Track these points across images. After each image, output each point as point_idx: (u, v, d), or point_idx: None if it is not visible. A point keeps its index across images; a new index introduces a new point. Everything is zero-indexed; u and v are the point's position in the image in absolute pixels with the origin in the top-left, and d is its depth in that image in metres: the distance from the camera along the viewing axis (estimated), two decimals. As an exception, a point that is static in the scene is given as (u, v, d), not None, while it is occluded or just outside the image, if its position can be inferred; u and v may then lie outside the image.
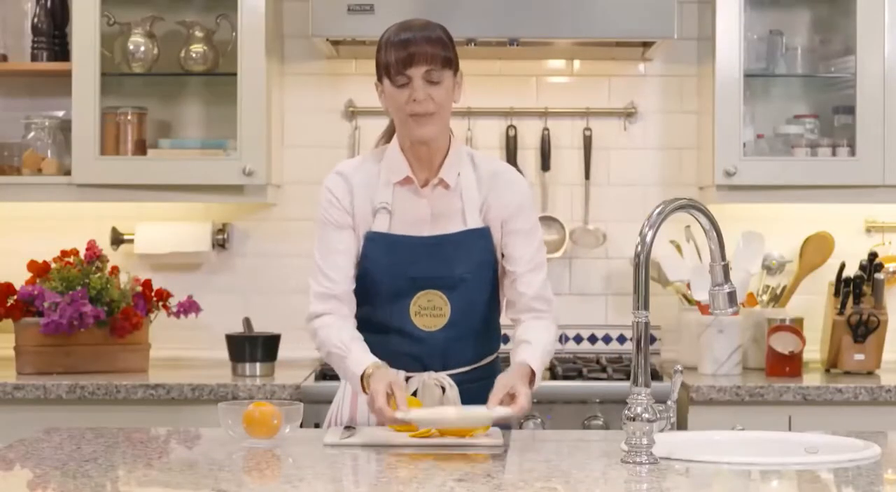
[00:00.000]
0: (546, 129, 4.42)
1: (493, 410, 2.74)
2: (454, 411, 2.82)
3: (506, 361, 3.21)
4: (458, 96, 3.01)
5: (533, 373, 2.89)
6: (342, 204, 3.01)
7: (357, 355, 2.91)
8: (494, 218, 3.03)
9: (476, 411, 2.77)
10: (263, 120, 4.11)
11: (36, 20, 4.28)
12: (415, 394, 2.96)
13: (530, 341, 2.96)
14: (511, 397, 2.77)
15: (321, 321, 2.98)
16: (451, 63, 2.95)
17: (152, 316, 4.10)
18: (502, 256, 3.05)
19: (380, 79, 2.98)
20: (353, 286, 3.01)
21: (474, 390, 2.98)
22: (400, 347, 2.99)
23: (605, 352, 4.38)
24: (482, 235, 3.02)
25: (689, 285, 4.15)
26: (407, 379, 2.97)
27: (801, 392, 3.78)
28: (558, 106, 4.44)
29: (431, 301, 2.96)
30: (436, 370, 2.99)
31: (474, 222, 3.01)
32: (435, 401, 2.95)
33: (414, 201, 3.01)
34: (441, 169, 3.01)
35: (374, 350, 2.96)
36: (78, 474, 2.38)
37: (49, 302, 3.89)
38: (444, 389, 2.97)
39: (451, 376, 2.99)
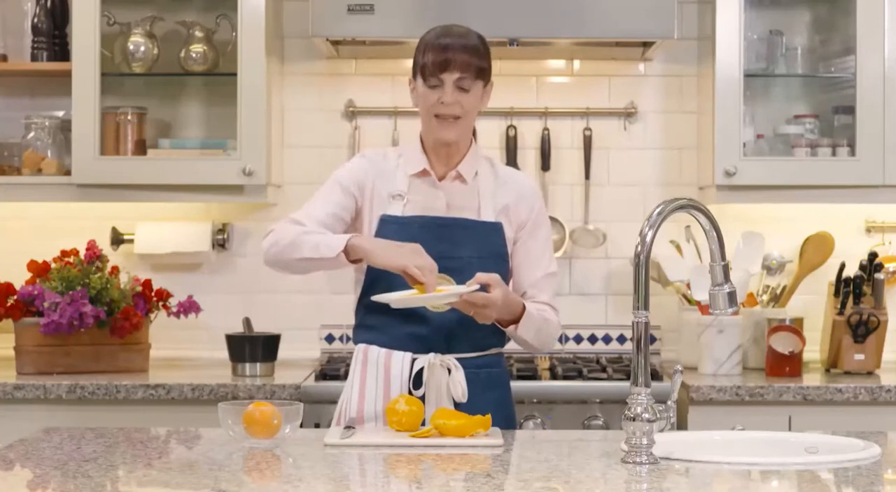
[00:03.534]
0: (546, 129, 4.42)
1: (465, 286, 2.86)
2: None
3: (508, 359, 3.23)
4: (485, 104, 3.13)
5: (523, 310, 3.00)
6: (360, 180, 3.09)
7: (336, 235, 2.98)
8: (512, 220, 3.10)
9: (449, 287, 2.90)
10: (263, 120, 4.11)
11: (36, 20, 4.28)
12: (420, 374, 2.98)
13: (532, 305, 3.06)
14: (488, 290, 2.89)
15: (291, 225, 3.03)
16: (484, 73, 3.06)
17: (152, 316, 4.10)
18: (511, 258, 3.08)
19: (414, 76, 3.08)
20: (335, 227, 3.07)
21: (480, 377, 3.02)
22: (406, 328, 3.03)
23: (605, 352, 4.38)
24: (495, 229, 3.07)
25: (689, 285, 4.15)
26: (413, 360, 2.99)
27: (801, 392, 3.78)
28: (558, 106, 4.44)
29: (439, 283, 2.98)
30: (441, 353, 3.00)
31: (488, 218, 3.09)
32: (441, 383, 2.97)
33: (430, 192, 3.10)
34: (460, 164, 3.10)
35: (379, 333, 3.05)
36: (78, 474, 2.38)
37: (49, 302, 3.89)
38: (449, 370, 2.99)
39: (456, 359, 3.01)
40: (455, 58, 3.00)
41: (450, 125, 3.03)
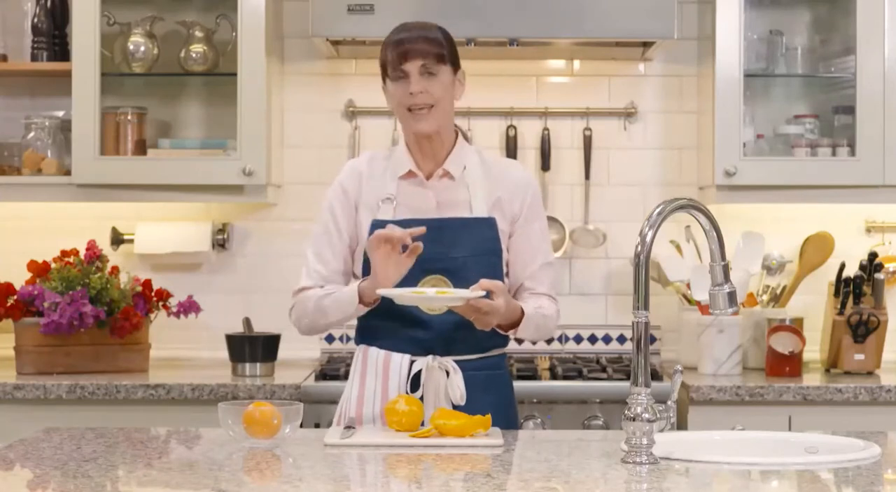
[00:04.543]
0: (546, 129, 4.42)
1: (473, 291, 2.84)
2: (433, 291, 2.90)
3: (508, 360, 3.24)
4: (460, 94, 3.11)
5: (521, 314, 2.99)
6: (349, 197, 3.10)
7: (349, 287, 3.03)
8: (506, 213, 3.09)
9: (454, 290, 2.90)
10: (263, 120, 4.11)
11: (36, 20, 4.28)
12: (418, 377, 2.98)
13: (530, 303, 3.06)
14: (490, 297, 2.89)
15: (305, 293, 3.10)
16: (446, 59, 3.04)
17: (152, 316, 4.10)
18: (508, 250, 3.08)
19: (384, 80, 3.08)
20: (345, 267, 3.12)
21: (480, 379, 3.02)
22: (405, 331, 3.03)
23: (605, 352, 4.38)
24: (488, 225, 3.06)
25: (689, 285, 4.15)
26: (411, 363, 2.99)
27: (801, 392, 3.78)
28: (558, 106, 4.44)
29: (436, 286, 2.98)
30: (440, 355, 3.00)
31: (480, 213, 3.07)
32: (439, 386, 2.97)
33: (419, 193, 3.09)
34: (446, 161, 3.09)
35: (379, 335, 3.06)
36: (78, 474, 2.38)
37: (49, 302, 3.89)
38: (448, 373, 2.98)
39: (456, 361, 3.01)
40: (413, 47, 3.00)
41: (423, 116, 3.02)
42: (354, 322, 3.15)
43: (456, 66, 3.08)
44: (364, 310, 3.01)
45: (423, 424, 2.81)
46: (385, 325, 3.04)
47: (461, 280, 2.97)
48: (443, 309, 3.00)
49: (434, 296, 2.87)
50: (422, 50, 3.00)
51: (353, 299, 2.98)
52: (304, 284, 3.11)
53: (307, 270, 3.12)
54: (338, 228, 3.10)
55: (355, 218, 3.10)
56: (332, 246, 3.10)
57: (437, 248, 3.00)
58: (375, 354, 3.04)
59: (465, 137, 3.19)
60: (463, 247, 3.03)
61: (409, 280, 2.98)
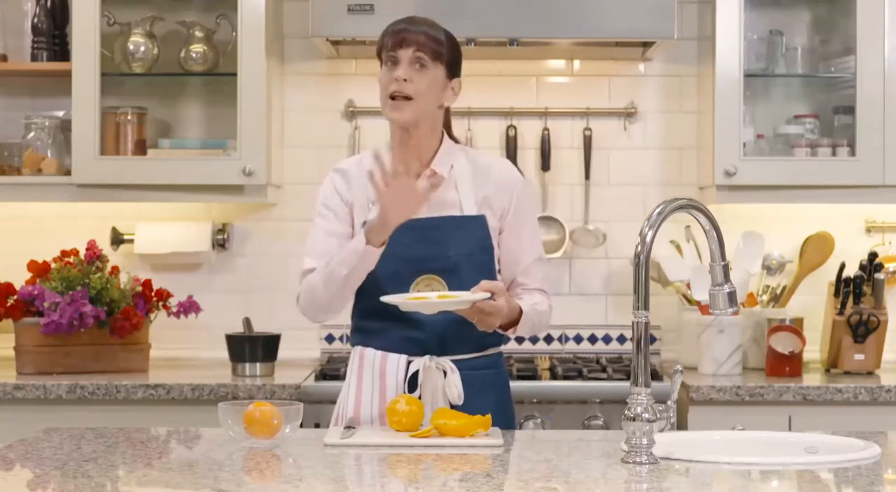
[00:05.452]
0: (546, 129, 4.42)
1: (474, 294, 2.83)
2: (435, 295, 2.90)
3: (508, 359, 3.24)
4: (449, 101, 3.08)
5: (520, 313, 2.99)
6: (341, 196, 3.09)
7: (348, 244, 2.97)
8: (494, 210, 3.07)
9: (457, 293, 2.88)
10: (263, 120, 4.11)
11: (36, 20, 4.28)
12: (415, 377, 2.98)
13: (526, 300, 3.05)
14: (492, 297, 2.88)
15: (311, 275, 3.04)
16: (443, 58, 3.01)
17: (152, 316, 4.10)
18: (499, 246, 3.08)
19: (380, 68, 3.05)
20: None
21: (477, 378, 3.02)
22: (400, 331, 3.02)
23: (605, 352, 4.38)
24: (478, 222, 3.05)
25: (689, 285, 4.15)
26: (408, 363, 2.99)
27: (801, 392, 3.78)
28: (558, 106, 4.44)
29: (430, 285, 2.98)
30: (436, 355, 3.00)
31: (470, 211, 3.06)
32: (437, 386, 2.96)
33: None
34: (433, 161, 3.07)
35: (376, 336, 3.04)
36: (78, 474, 2.38)
37: (49, 302, 3.89)
38: (445, 372, 2.98)
39: (452, 361, 3.00)
40: (411, 37, 2.98)
41: (401, 105, 2.99)
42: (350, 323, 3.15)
43: (453, 72, 3.05)
44: (373, 254, 2.89)
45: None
46: (381, 325, 3.03)
47: (455, 279, 2.97)
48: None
49: (438, 301, 2.86)
50: (419, 40, 2.98)
51: (358, 244, 2.89)
52: (311, 266, 3.04)
53: (312, 250, 3.06)
54: (336, 216, 3.07)
55: (350, 215, 3.09)
56: (336, 227, 3.07)
57: (429, 247, 3.00)
58: (372, 355, 3.03)
59: (456, 141, 3.17)
60: (456, 246, 3.02)
61: (403, 281, 2.98)
